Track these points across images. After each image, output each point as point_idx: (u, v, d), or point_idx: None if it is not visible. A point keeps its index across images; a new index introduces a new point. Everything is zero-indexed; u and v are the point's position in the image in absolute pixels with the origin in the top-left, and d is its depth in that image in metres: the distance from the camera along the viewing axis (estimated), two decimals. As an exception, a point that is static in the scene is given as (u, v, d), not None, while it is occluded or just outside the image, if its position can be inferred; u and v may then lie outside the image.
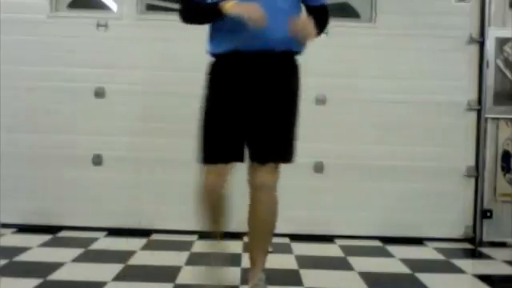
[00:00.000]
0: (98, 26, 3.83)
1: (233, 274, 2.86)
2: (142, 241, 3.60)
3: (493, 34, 3.74)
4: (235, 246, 3.47)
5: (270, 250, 3.37)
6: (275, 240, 3.58)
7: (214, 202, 2.37)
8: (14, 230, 3.77)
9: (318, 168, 3.81)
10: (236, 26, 2.14)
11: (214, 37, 2.34)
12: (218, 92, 2.33)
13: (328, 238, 3.73)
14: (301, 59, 2.43)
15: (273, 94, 2.29)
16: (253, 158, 2.32)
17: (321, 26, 2.33)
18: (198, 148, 2.39)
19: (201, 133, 2.38)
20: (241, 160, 2.34)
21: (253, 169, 2.33)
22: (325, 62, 3.75)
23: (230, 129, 2.29)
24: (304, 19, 2.20)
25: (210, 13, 2.22)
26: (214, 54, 2.36)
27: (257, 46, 2.21)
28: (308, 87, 3.68)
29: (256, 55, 2.23)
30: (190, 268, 3.02)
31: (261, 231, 2.37)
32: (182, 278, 2.80)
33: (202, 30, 3.84)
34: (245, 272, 2.64)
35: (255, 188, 2.34)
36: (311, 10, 2.38)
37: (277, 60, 2.28)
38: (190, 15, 2.34)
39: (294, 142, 2.35)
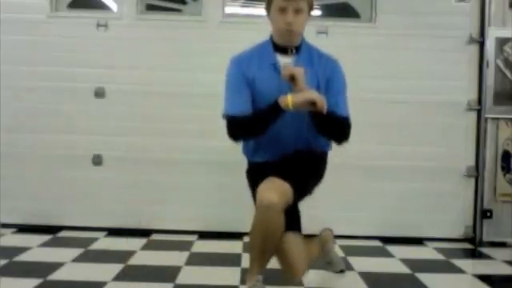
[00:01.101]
0: (98, 25, 3.83)
1: (233, 273, 2.87)
2: (142, 241, 3.60)
3: (493, 33, 3.74)
4: (235, 246, 3.47)
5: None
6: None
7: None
8: (14, 229, 3.77)
9: (318, 168, 3.81)
10: (271, 142, 2.35)
11: (252, 148, 2.46)
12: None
13: (328, 238, 3.73)
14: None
15: (300, 166, 2.39)
16: None
17: (331, 128, 2.37)
18: None
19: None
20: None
21: None
22: (325, 62, 3.75)
23: None
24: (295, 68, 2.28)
25: (271, 115, 2.26)
26: (252, 162, 2.51)
27: (289, 152, 2.38)
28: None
29: (288, 154, 2.39)
30: (189, 268, 3.02)
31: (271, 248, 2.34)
32: (182, 278, 2.80)
33: (202, 30, 3.86)
34: (245, 272, 2.64)
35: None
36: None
37: (307, 152, 2.43)
38: (250, 128, 2.35)
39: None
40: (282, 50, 2.39)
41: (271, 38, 2.43)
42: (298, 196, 2.35)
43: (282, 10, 2.30)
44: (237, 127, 2.34)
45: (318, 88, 2.32)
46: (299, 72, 2.24)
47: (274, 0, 2.32)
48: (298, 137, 2.39)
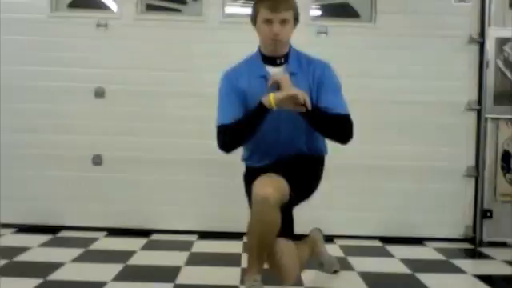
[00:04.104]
0: (98, 26, 3.83)
1: (233, 273, 2.87)
2: (142, 241, 3.60)
3: (493, 34, 3.74)
4: (235, 246, 3.47)
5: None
6: (275, 240, 3.60)
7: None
8: (14, 230, 3.78)
9: (318, 168, 3.81)
10: (268, 147, 2.39)
11: (250, 156, 2.51)
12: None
13: (328, 238, 3.71)
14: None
15: (297, 169, 2.40)
16: None
17: (332, 128, 2.36)
18: None
19: None
20: None
21: None
22: (325, 62, 3.75)
23: None
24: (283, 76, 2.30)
25: (256, 116, 2.25)
26: (250, 167, 2.54)
27: (286, 156, 2.41)
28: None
29: (285, 158, 2.41)
30: (189, 268, 3.02)
31: (266, 243, 2.32)
32: (181, 278, 2.80)
33: (202, 30, 3.87)
34: (245, 272, 2.64)
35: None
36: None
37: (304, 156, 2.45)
38: (238, 132, 2.33)
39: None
40: (271, 60, 2.40)
41: (259, 49, 2.44)
42: (294, 199, 2.35)
43: (269, 22, 2.31)
44: (225, 134, 2.33)
45: (310, 92, 2.32)
46: (283, 78, 2.27)
47: (260, 12, 2.33)
48: (295, 140, 2.40)
